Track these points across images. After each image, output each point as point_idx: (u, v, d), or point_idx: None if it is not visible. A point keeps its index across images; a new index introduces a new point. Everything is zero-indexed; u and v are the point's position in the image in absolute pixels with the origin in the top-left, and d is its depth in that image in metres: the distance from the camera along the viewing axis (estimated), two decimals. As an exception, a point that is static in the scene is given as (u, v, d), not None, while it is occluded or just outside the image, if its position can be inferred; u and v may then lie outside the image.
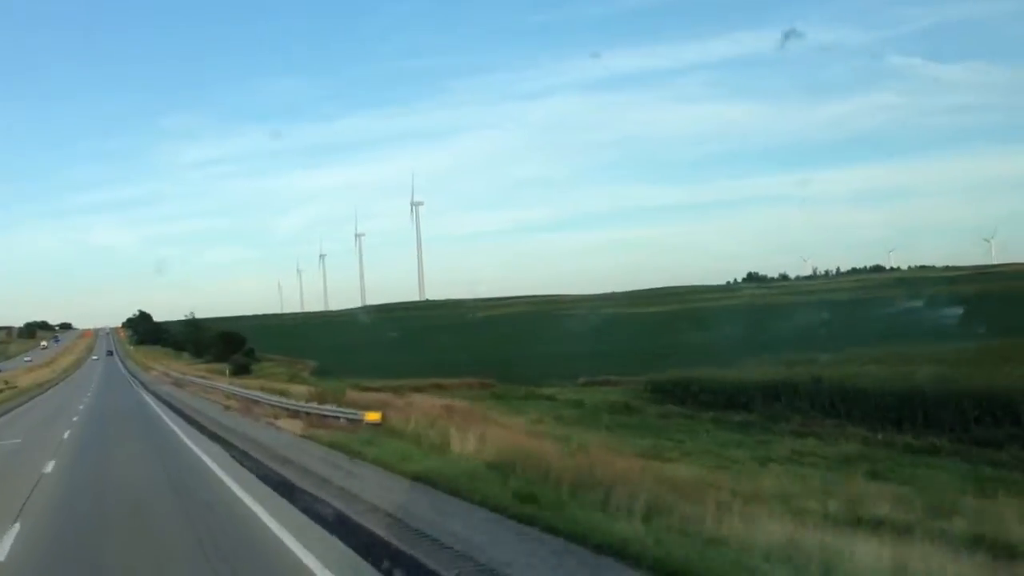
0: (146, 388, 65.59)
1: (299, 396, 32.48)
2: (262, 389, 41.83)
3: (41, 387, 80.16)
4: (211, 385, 55.68)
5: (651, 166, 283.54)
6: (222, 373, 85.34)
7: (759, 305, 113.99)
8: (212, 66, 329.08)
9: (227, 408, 37.24)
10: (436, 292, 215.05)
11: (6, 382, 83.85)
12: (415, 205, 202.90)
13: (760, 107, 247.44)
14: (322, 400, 28.55)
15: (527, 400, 43.49)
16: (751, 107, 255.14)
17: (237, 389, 45.43)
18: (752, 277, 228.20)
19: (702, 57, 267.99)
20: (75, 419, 36.93)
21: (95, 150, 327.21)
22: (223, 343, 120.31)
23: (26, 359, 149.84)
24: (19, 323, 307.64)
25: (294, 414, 28.36)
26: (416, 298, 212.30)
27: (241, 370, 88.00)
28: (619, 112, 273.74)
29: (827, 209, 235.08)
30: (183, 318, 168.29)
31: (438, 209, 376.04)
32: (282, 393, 36.20)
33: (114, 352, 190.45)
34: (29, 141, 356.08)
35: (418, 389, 43.56)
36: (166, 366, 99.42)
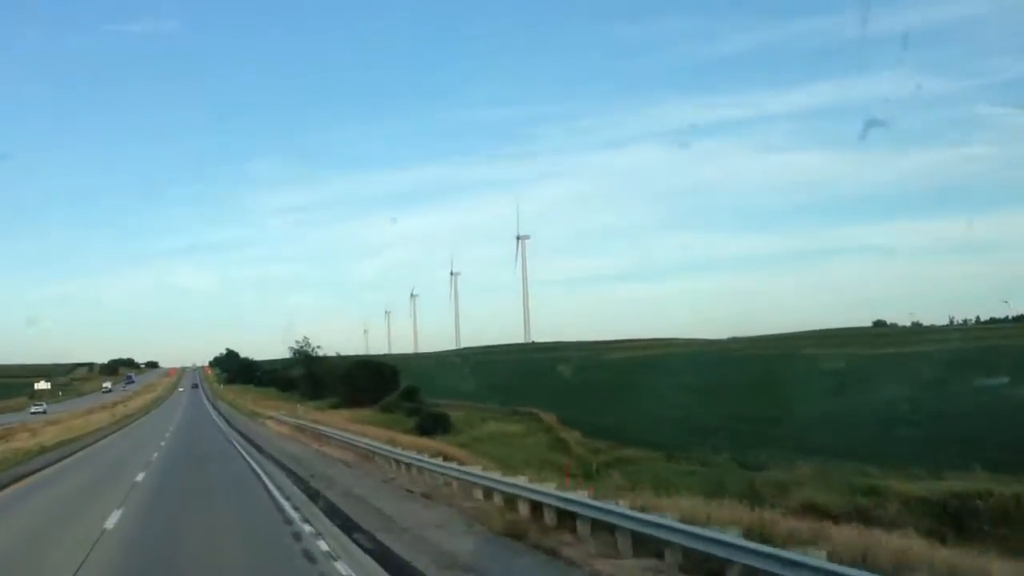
0: (285, 470, 29.88)
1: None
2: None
3: (74, 444, 46.48)
4: (461, 474, 20.38)
5: (736, 215, 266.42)
6: (370, 422, 51.54)
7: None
8: (297, 114, 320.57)
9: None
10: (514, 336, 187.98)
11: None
12: (520, 239, 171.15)
13: (844, 157, 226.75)
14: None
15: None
16: (835, 157, 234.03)
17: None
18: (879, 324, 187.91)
19: (786, 107, 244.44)
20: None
21: (182, 195, 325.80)
22: (368, 377, 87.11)
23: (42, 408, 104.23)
24: (104, 360, 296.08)
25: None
26: (515, 340, 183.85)
27: (432, 424, 53.71)
28: (702, 161, 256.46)
29: (917, 260, 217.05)
30: (294, 347, 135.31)
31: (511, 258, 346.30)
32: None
33: (199, 385, 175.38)
34: (122, 186, 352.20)
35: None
36: (287, 411, 65.93)
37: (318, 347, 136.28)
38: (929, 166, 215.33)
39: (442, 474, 21.68)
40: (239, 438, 44.97)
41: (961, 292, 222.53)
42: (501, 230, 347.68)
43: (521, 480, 16.47)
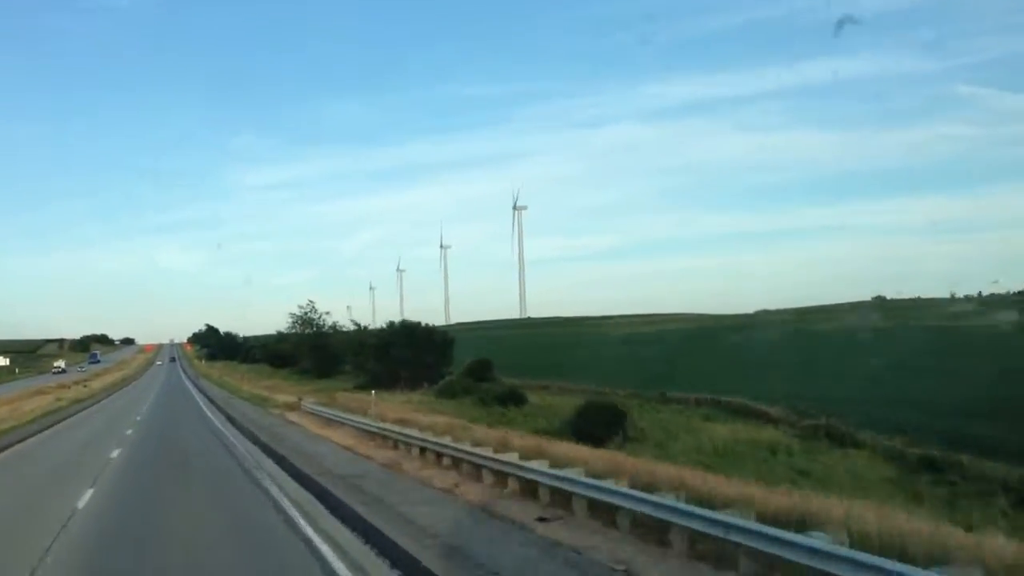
0: None
1: None
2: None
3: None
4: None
5: (717, 193, 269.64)
6: (447, 413, 28.09)
7: None
8: (277, 90, 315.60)
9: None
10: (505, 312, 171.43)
11: None
12: (518, 209, 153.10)
13: (826, 136, 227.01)
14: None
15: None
16: (816, 136, 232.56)
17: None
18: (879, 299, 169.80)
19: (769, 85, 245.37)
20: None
21: (164, 171, 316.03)
22: (412, 348, 62.95)
23: None
24: (77, 336, 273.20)
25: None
26: (506, 316, 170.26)
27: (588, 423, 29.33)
28: (683, 140, 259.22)
29: (897, 239, 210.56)
30: (296, 314, 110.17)
31: (501, 234, 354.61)
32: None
33: (177, 359, 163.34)
34: (102, 161, 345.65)
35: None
36: (320, 399, 41.58)
37: (326, 313, 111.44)
38: (911, 145, 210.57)
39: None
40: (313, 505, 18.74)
41: (943, 270, 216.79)
42: (487, 207, 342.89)
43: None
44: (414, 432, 22.70)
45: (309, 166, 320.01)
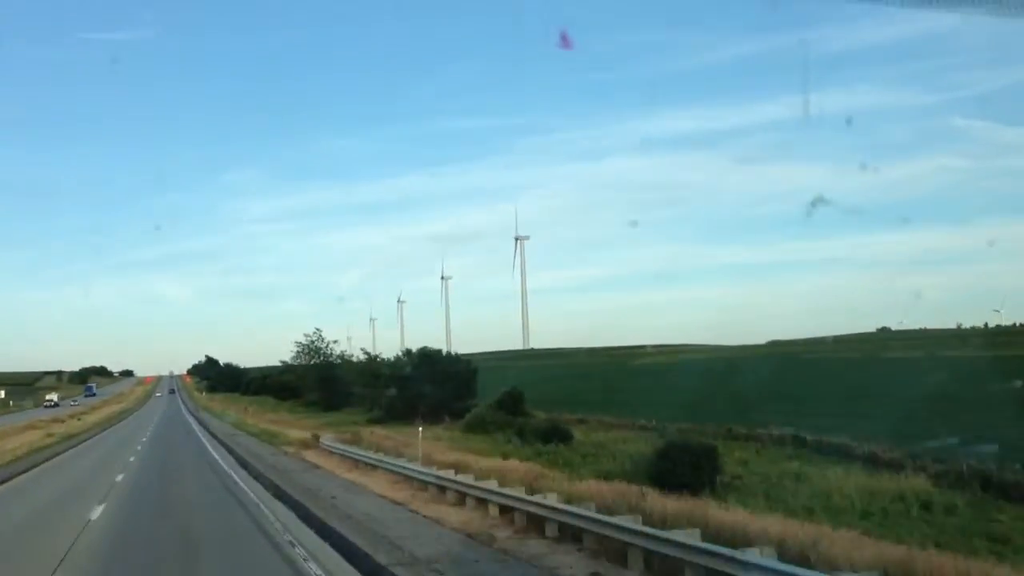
0: None
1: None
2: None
3: None
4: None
5: (710, 227, 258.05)
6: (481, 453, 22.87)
7: None
8: (272, 124, 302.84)
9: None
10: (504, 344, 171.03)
11: None
12: (519, 239, 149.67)
13: (820, 168, 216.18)
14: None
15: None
16: (811, 168, 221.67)
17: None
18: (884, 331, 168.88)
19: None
20: None
21: (159, 205, 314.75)
22: (434, 379, 57.29)
23: None
24: (76, 368, 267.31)
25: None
26: (506, 347, 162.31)
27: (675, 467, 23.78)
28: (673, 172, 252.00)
29: (891, 271, 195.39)
30: (302, 343, 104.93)
31: (498, 266, 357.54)
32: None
33: (176, 391, 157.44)
34: (100, 194, 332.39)
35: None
36: (342, 437, 35.79)
37: (334, 342, 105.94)
38: (905, 178, 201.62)
39: None
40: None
41: (942, 302, 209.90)
42: (484, 240, 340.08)
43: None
44: (489, 485, 17.32)
45: (306, 198, 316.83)
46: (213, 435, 54.64)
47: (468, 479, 18.63)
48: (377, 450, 30.39)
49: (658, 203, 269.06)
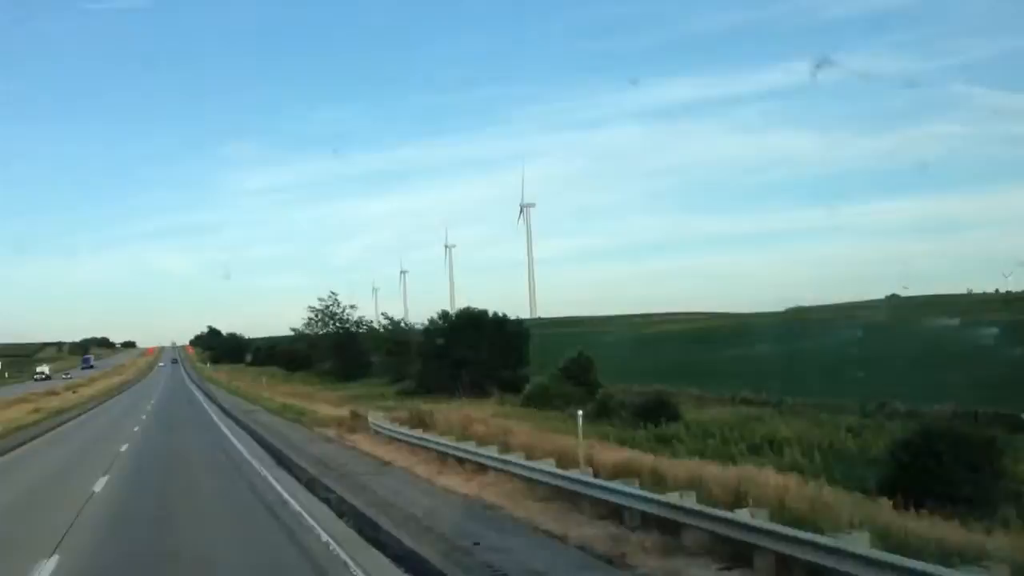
0: None
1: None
2: None
3: None
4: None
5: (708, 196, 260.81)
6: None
7: None
8: (273, 95, 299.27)
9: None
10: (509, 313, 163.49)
11: None
12: (525, 207, 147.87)
13: (818, 137, 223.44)
14: None
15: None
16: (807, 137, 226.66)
17: None
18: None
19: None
20: None
21: (160, 176, 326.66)
22: (481, 344, 49.06)
23: None
24: (77, 339, 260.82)
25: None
26: (518, 316, 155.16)
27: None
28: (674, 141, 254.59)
29: (884, 239, 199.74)
30: (317, 308, 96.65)
31: (498, 237, 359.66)
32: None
33: (179, 361, 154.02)
34: (98, 167, 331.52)
35: None
36: (405, 412, 26.76)
37: (351, 306, 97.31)
38: (904, 144, 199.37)
39: None
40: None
41: (943, 269, 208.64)
42: (486, 208, 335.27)
43: None
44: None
45: (306, 168, 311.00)
46: (225, 411, 46.09)
47: (727, 512, 10.00)
48: (456, 437, 21.77)
49: (659, 172, 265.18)
